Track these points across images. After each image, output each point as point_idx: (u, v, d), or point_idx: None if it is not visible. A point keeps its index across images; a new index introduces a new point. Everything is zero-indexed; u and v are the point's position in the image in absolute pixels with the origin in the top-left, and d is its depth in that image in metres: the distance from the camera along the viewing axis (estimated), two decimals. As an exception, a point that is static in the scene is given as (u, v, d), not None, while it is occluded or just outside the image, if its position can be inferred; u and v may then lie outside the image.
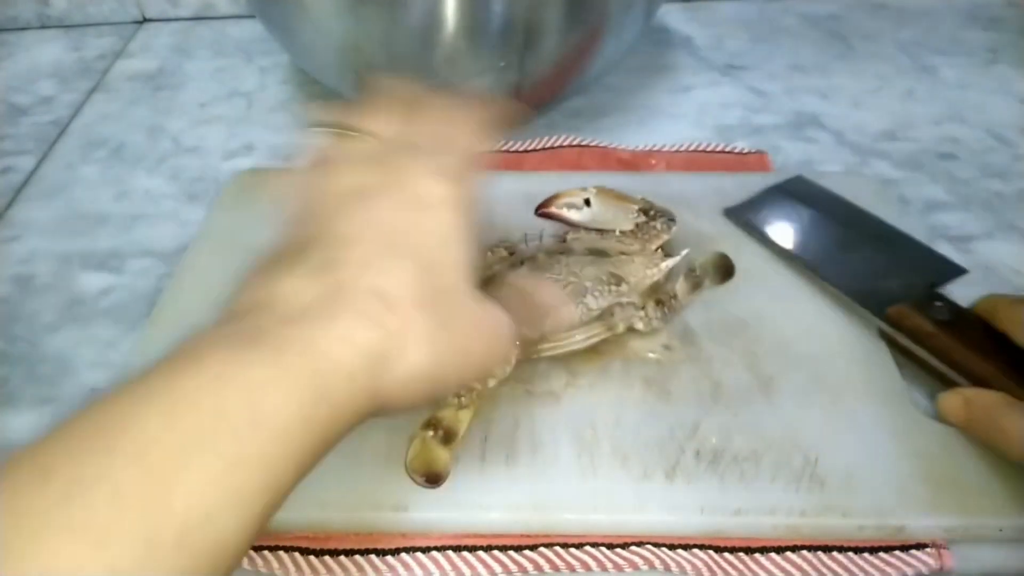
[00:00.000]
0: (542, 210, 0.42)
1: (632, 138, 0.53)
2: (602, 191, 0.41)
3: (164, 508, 0.18)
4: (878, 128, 0.54)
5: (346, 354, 0.22)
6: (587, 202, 0.41)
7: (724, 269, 0.39)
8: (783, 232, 0.42)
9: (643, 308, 0.37)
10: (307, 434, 0.21)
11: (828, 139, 0.53)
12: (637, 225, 0.40)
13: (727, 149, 0.51)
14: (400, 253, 0.25)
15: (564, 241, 0.40)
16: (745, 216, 0.43)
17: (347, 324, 0.23)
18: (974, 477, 0.31)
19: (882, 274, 0.38)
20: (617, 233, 0.40)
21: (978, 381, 0.32)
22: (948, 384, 0.34)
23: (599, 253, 0.38)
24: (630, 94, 0.58)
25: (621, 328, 0.36)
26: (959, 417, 0.32)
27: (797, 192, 0.44)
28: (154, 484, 0.18)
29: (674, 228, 0.40)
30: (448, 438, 0.32)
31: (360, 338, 0.22)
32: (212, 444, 0.19)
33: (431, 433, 0.32)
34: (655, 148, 0.51)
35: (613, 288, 0.36)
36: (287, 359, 0.21)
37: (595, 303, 0.36)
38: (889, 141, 0.53)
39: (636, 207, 0.40)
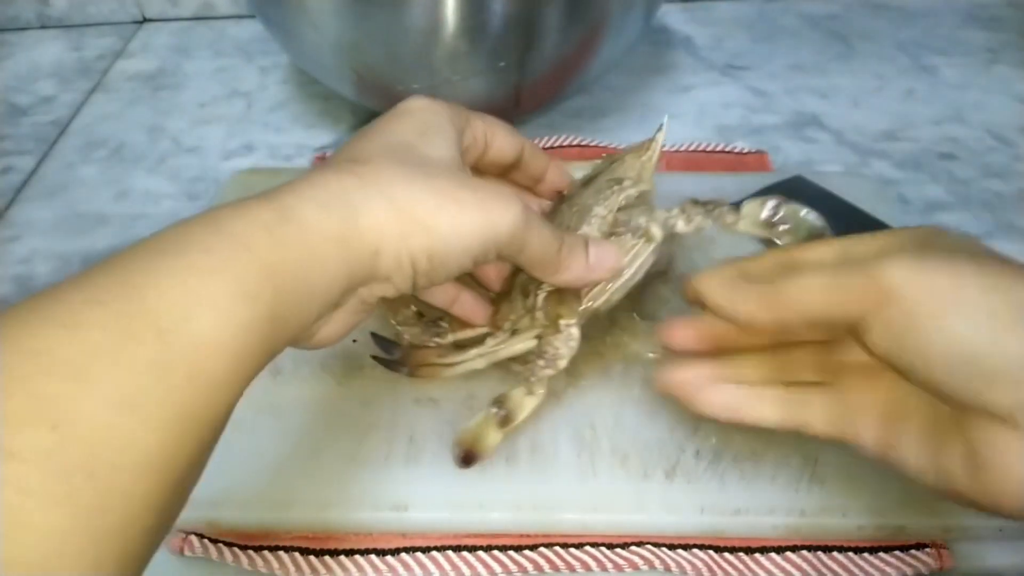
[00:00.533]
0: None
1: (632, 138, 0.52)
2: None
3: (140, 306, 0.18)
4: (878, 128, 0.54)
5: (311, 190, 0.23)
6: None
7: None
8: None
9: (679, 208, 0.32)
10: (276, 246, 0.21)
11: (828, 139, 0.53)
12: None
13: (727, 149, 0.51)
14: (373, 138, 0.27)
15: (561, 199, 0.37)
16: None
17: (312, 177, 0.24)
18: (974, 477, 0.31)
19: None
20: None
21: None
22: None
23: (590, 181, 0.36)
24: (630, 94, 0.58)
25: (659, 234, 0.32)
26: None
27: (796, 192, 0.44)
28: (130, 288, 0.19)
29: (662, 125, 0.37)
30: (506, 420, 0.31)
31: (325, 180, 0.24)
32: (186, 261, 0.20)
33: (494, 410, 0.31)
34: (655, 148, 0.51)
35: (615, 187, 0.33)
36: (245, 206, 0.22)
37: (603, 209, 0.33)
38: (889, 141, 0.53)
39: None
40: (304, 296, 0.22)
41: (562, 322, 0.31)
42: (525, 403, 0.31)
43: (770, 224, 0.32)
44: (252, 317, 0.20)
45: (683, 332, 0.29)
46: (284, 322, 0.21)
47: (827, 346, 0.28)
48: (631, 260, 0.32)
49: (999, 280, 0.21)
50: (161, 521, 0.18)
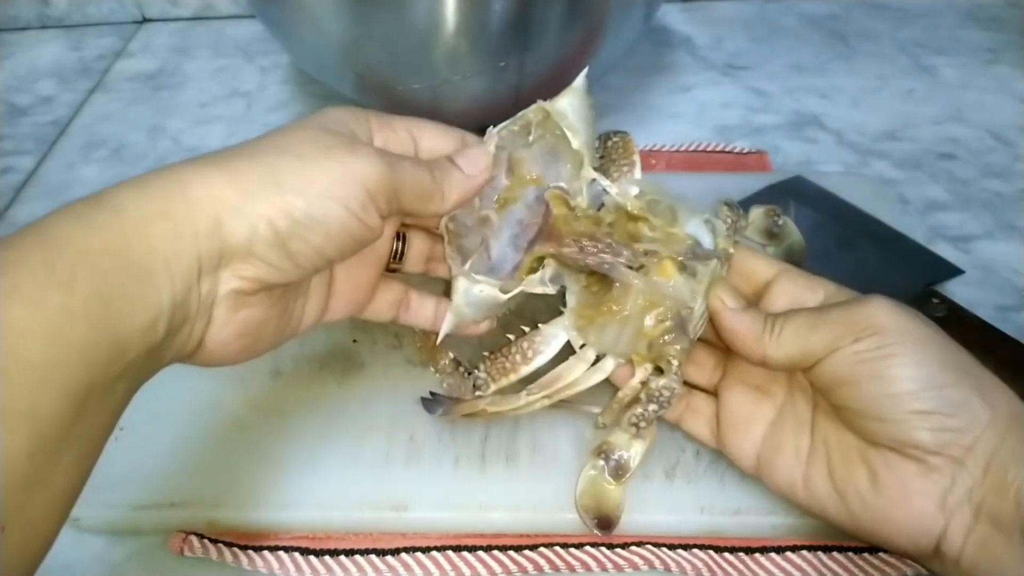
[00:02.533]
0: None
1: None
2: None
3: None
4: (878, 128, 0.54)
5: (139, 179, 0.23)
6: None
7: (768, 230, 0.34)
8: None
9: (722, 222, 0.30)
10: (89, 231, 0.21)
11: (828, 139, 0.53)
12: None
13: (727, 149, 0.51)
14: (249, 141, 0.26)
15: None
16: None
17: (199, 186, 0.23)
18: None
19: (879, 273, 0.38)
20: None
21: None
22: None
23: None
24: (630, 94, 0.58)
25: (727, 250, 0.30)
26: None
27: (796, 191, 0.44)
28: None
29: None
30: (620, 473, 0.29)
31: (162, 169, 0.23)
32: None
33: (601, 462, 0.29)
34: (655, 148, 0.51)
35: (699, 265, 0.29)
36: (147, 203, 0.22)
37: (700, 303, 0.29)
38: (889, 141, 0.53)
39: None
40: (137, 276, 0.21)
41: (674, 363, 0.29)
42: (635, 449, 0.29)
43: (770, 233, 0.34)
44: (68, 301, 0.19)
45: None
46: (120, 303, 0.20)
47: (721, 357, 0.32)
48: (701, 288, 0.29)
49: (951, 344, 0.26)
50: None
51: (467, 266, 0.31)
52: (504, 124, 0.32)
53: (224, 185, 0.23)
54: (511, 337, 0.31)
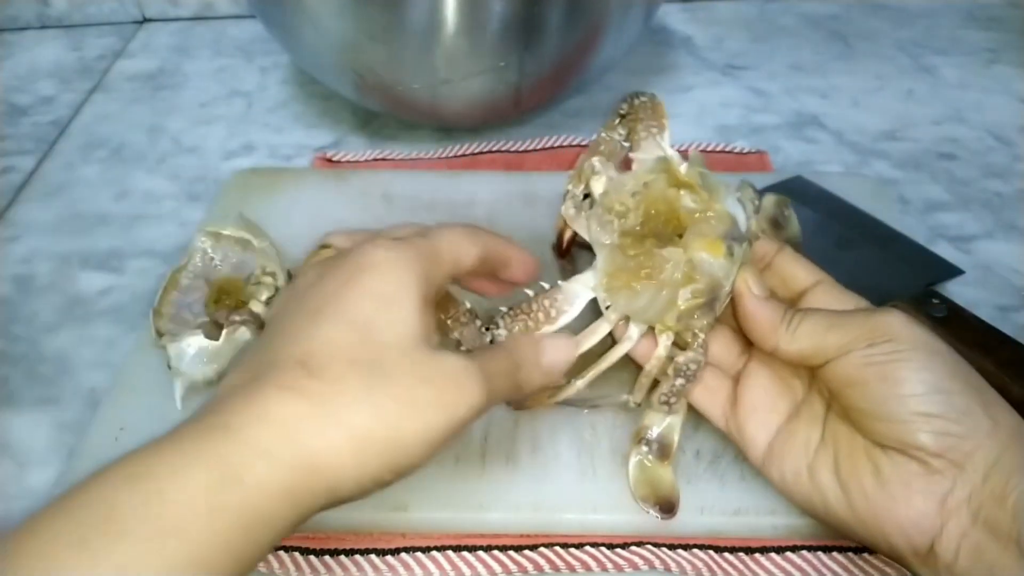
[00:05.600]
0: (562, 251, 0.36)
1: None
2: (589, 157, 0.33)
3: None
4: (878, 128, 0.54)
5: (261, 430, 0.21)
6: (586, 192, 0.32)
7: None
8: (780, 226, 0.42)
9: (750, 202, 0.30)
10: (219, 533, 0.20)
11: (828, 139, 0.53)
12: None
13: (727, 149, 0.51)
14: (329, 317, 0.24)
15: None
16: None
17: (265, 400, 0.22)
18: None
19: (879, 273, 0.38)
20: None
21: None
22: None
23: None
24: (630, 94, 0.58)
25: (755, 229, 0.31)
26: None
27: (796, 192, 0.44)
28: None
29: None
30: (664, 453, 0.30)
31: (275, 411, 0.22)
32: (112, 544, 0.19)
33: (644, 448, 0.30)
34: (655, 148, 0.51)
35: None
36: (195, 445, 0.21)
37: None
38: (889, 141, 0.53)
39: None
40: (249, 549, 0.21)
41: (700, 335, 0.29)
42: (670, 424, 0.30)
43: (775, 223, 0.33)
44: None
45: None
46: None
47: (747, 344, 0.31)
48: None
49: (963, 363, 0.27)
50: None
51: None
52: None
53: (344, 454, 0.22)
54: (530, 293, 0.31)
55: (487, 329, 0.31)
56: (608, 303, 0.30)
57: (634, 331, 0.30)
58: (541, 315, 0.30)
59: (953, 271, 0.39)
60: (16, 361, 0.39)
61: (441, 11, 0.41)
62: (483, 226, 0.30)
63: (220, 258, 0.39)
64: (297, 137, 0.55)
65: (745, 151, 0.51)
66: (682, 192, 0.30)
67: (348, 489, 0.23)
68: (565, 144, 0.51)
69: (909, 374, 0.26)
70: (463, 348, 0.31)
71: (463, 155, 0.51)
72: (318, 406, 0.22)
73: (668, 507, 0.30)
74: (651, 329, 0.30)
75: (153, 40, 0.67)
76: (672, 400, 0.30)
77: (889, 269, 0.39)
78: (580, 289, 0.30)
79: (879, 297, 0.36)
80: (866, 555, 0.30)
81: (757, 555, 0.30)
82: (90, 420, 0.34)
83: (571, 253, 0.39)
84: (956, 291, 0.39)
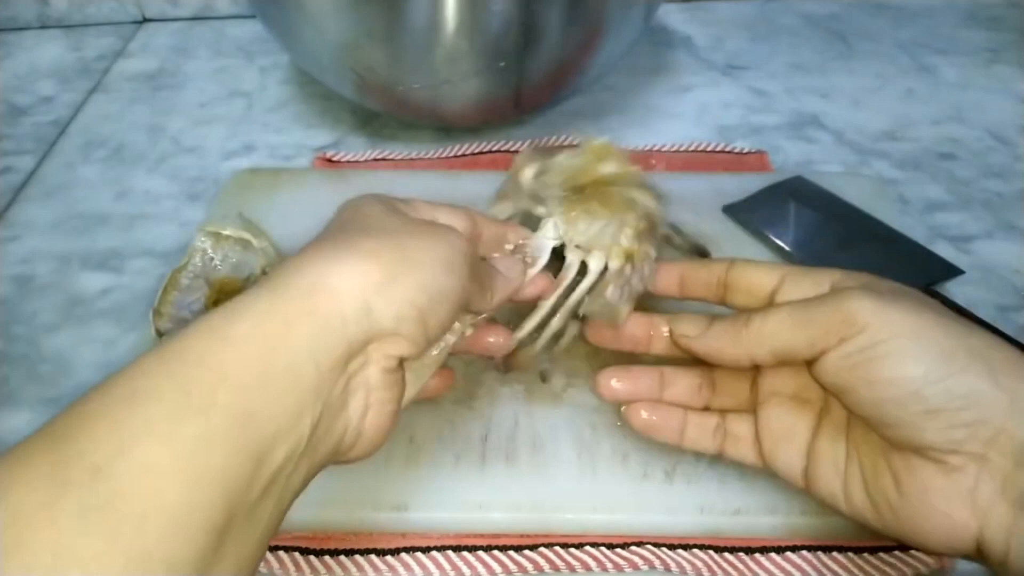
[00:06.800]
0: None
1: (632, 138, 0.53)
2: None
3: (71, 449, 0.17)
4: (878, 128, 0.54)
5: (269, 280, 0.23)
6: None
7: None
8: (781, 230, 0.42)
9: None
10: (225, 346, 0.20)
11: (828, 139, 0.53)
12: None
13: (727, 149, 0.51)
14: (412, 265, 0.24)
15: None
16: (744, 214, 0.43)
17: (346, 266, 0.23)
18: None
19: (879, 273, 0.38)
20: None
21: None
22: None
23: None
24: (630, 94, 0.58)
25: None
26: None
27: (796, 191, 0.44)
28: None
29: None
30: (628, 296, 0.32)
31: (288, 263, 0.23)
32: (121, 392, 0.19)
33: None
34: (655, 148, 0.51)
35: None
36: (289, 303, 0.22)
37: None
38: (889, 141, 0.53)
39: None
40: (282, 383, 0.20)
41: (651, 252, 0.32)
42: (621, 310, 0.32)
43: (668, 239, 0.38)
44: (206, 429, 0.18)
45: (616, 383, 0.31)
46: (262, 416, 0.20)
47: (753, 377, 0.30)
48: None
49: (956, 326, 0.24)
50: None
51: None
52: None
53: (366, 270, 0.23)
54: (497, 255, 0.33)
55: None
56: (569, 235, 0.33)
57: (595, 264, 0.33)
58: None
59: (953, 271, 0.39)
60: (16, 361, 0.39)
61: (441, 11, 0.41)
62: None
63: (220, 258, 0.39)
64: (297, 137, 0.55)
65: (745, 151, 0.51)
66: (602, 163, 0.34)
67: (385, 308, 0.23)
68: (565, 144, 0.51)
69: (894, 371, 0.23)
70: None
71: (463, 155, 0.51)
72: (327, 243, 0.24)
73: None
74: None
75: (153, 40, 0.67)
76: (625, 290, 0.31)
77: (889, 269, 0.39)
78: (545, 240, 0.33)
79: None
80: (866, 555, 0.30)
81: (757, 555, 0.30)
82: (90, 420, 0.34)
83: None
84: (956, 291, 0.39)
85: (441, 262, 0.25)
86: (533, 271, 0.33)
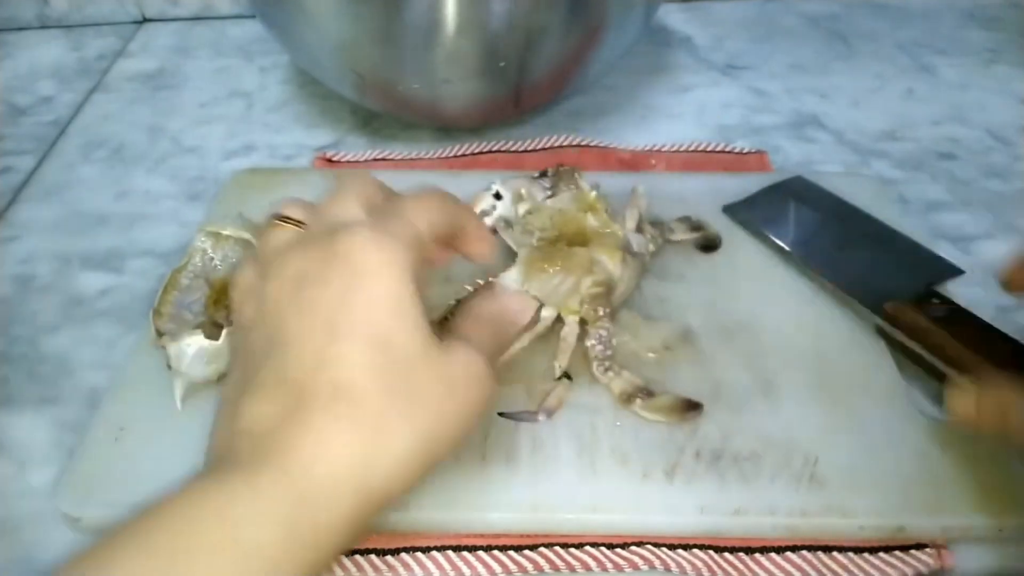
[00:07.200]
0: None
1: (632, 138, 0.53)
2: (506, 180, 0.41)
3: None
4: (878, 128, 0.54)
5: (326, 469, 0.22)
6: (497, 196, 0.40)
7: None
8: (781, 230, 0.42)
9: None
10: (293, 558, 0.20)
11: (828, 139, 0.53)
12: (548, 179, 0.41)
13: (727, 149, 0.51)
14: (347, 335, 0.24)
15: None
16: (744, 213, 0.43)
17: (319, 435, 0.22)
18: (974, 477, 0.31)
19: (880, 273, 0.39)
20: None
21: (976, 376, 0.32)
22: (945, 381, 0.34)
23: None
24: (630, 94, 0.58)
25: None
26: (969, 410, 0.31)
27: (796, 191, 0.45)
28: None
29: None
30: (647, 392, 0.34)
31: (336, 448, 0.22)
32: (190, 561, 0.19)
33: (636, 402, 0.33)
34: (655, 148, 0.51)
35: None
36: (264, 490, 0.21)
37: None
38: (889, 141, 0.53)
39: (537, 173, 0.41)
40: (316, 569, 0.21)
41: (601, 311, 0.35)
42: (627, 378, 0.34)
43: (693, 228, 0.42)
44: None
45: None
46: None
47: None
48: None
49: None
50: None
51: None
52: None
53: (390, 474, 0.23)
54: (469, 288, 0.36)
55: (444, 320, 0.35)
56: (526, 287, 0.36)
57: (546, 314, 0.36)
58: None
59: (953, 271, 0.39)
60: (16, 361, 0.39)
61: (441, 11, 0.41)
62: (445, 192, 0.30)
63: (220, 258, 0.39)
64: (297, 137, 0.55)
65: (745, 151, 0.51)
66: (589, 215, 0.38)
67: (397, 498, 0.24)
68: (565, 144, 0.51)
69: None
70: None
71: (463, 155, 0.51)
72: (368, 438, 0.23)
73: (690, 406, 0.33)
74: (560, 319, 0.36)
75: (153, 40, 0.67)
76: (607, 364, 0.34)
77: (889, 269, 0.39)
78: (510, 283, 0.36)
79: (879, 297, 0.36)
80: (866, 555, 0.30)
81: (757, 555, 0.30)
82: (90, 420, 0.34)
83: None
84: (956, 291, 0.39)
85: (459, 435, 0.25)
86: None
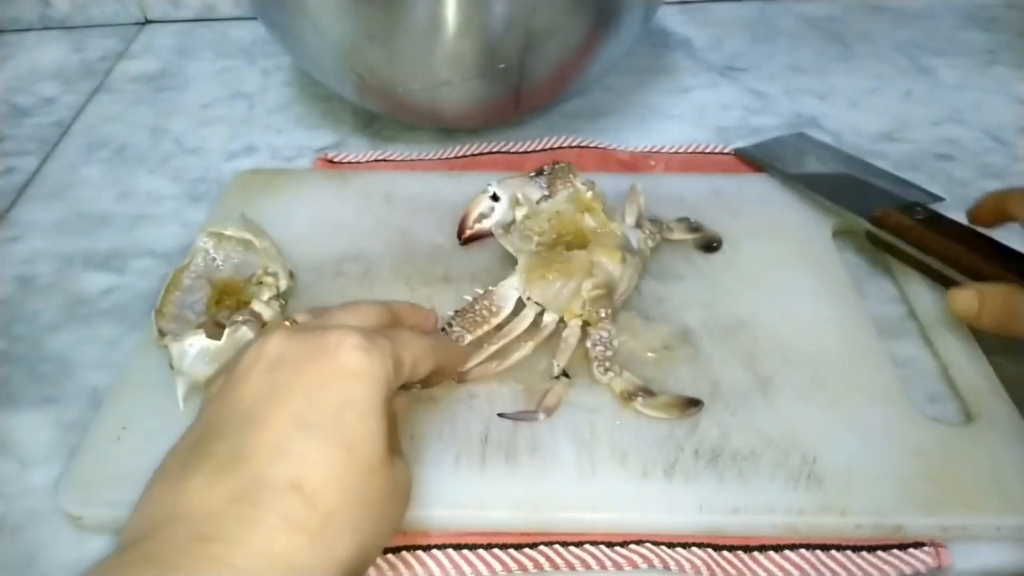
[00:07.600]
0: (463, 237, 0.42)
1: (631, 139, 0.53)
2: (502, 181, 0.42)
3: None
4: (876, 129, 0.54)
5: (266, 566, 0.21)
6: (494, 197, 0.41)
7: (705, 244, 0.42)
8: (786, 163, 0.48)
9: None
10: None
11: (827, 140, 0.53)
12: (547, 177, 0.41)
13: (726, 150, 0.51)
14: (315, 431, 0.23)
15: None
16: (754, 154, 0.50)
17: (265, 533, 0.22)
18: (972, 476, 0.31)
19: (873, 193, 0.44)
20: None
21: (962, 268, 0.36)
22: (937, 280, 0.38)
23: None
24: (630, 95, 0.58)
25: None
26: (971, 309, 0.33)
27: (800, 146, 0.50)
28: None
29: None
30: (647, 391, 0.34)
31: (280, 548, 0.22)
32: None
33: (638, 400, 0.33)
34: (654, 149, 0.52)
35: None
36: None
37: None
38: (887, 142, 0.53)
39: (533, 173, 0.42)
40: None
41: (603, 312, 0.35)
42: (627, 378, 0.34)
43: (691, 229, 0.43)
44: None
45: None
46: None
47: None
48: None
49: None
50: None
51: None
52: None
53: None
54: (468, 298, 0.37)
55: (444, 330, 0.36)
56: (527, 294, 0.36)
57: (548, 319, 0.36)
58: (485, 312, 0.36)
59: (934, 197, 0.44)
60: (18, 361, 0.39)
61: (441, 12, 0.41)
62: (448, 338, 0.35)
63: (222, 258, 0.39)
64: (298, 138, 0.55)
65: (744, 152, 0.51)
66: (586, 215, 0.39)
67: None
68: (565, 145, 0.52)
69: None
70: None
71: (464, 156, 0.52)
72: (316, 542, 0.22)
73: (691, 403, 0.33)
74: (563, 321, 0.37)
75: (155, 41, 0.68)
76: (608, 365, 0.34)
77: (881, 191, 0.44)
78: (510, 290, 0.37)
79: (870, 206, 0.42)
80: (864, 553, 0.30)
81: (756, 553, 0.30)
82: (92, 419, 0.34)
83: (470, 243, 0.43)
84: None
85: (392, 531, 0.26)
86: (497, 319, 0.36)
